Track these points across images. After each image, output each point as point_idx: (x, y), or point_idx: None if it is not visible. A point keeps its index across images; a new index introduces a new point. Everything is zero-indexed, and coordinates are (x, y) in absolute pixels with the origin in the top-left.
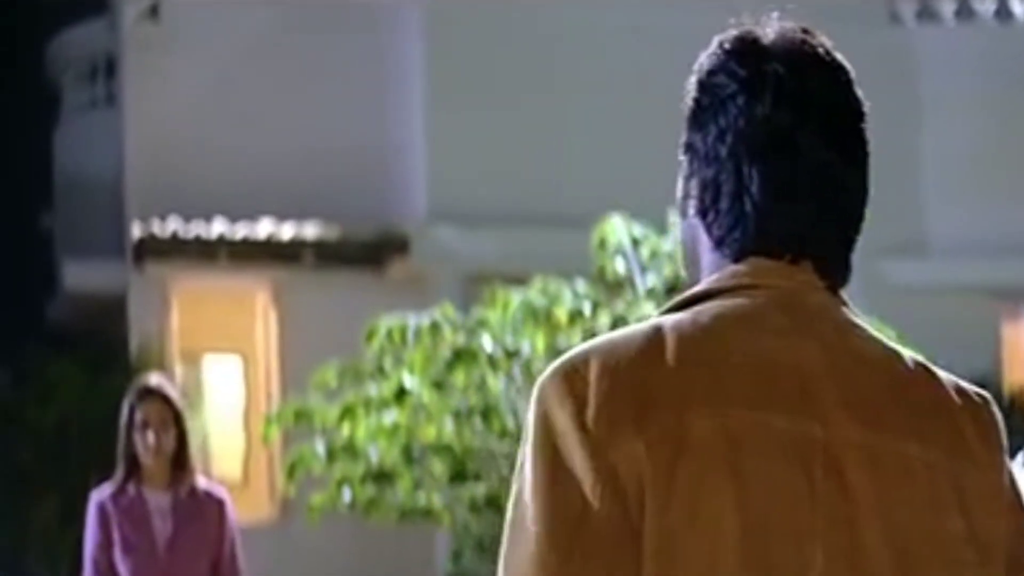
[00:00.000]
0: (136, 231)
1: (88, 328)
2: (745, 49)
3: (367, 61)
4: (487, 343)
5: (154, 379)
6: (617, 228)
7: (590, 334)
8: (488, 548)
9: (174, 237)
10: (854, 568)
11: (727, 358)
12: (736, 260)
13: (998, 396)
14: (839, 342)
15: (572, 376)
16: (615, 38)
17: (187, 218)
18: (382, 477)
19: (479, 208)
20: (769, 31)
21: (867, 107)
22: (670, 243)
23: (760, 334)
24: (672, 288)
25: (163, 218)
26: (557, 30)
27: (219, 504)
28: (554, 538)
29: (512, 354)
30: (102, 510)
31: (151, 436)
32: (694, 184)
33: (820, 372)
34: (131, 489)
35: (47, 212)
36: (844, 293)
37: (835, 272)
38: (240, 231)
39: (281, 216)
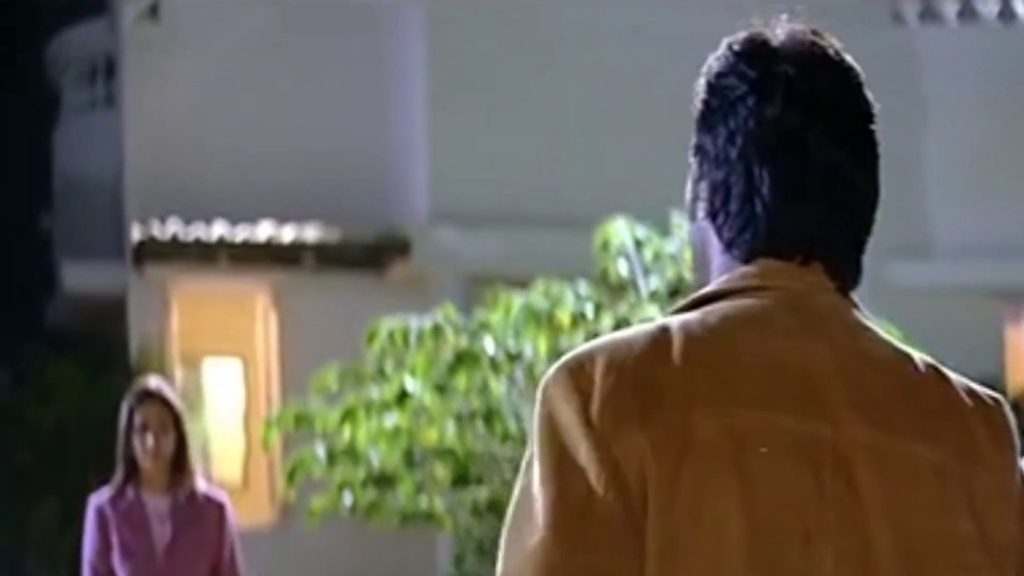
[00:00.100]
0: (136, 233)
1: (88, 330)
2: (755, 50)
3: (368, 62)
4: (489, 346)
5: (153, 382)
6: (620, 230)
7: (593, 336)
8: (490, 552)
9: (174, 239)
10: (863, 570)
11: (734, 358)
12: (746, 261)
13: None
14: (848, 343)
15: (577, 372)
16: (617, 38)
17: (187, 220)
18: (383, 481)
19: (480, 209)
20: (779, 32)
21: (877, 109)
22: (673, 245)
23: (769, 335)
24: (675, 290)
25: (163, 220)
26: (558, 30)
27: (219, 508)
28: (559, 529)
29: (514, 357)
30: (100, 514)
31: (150, 439)
32: (703, 186)
33: (829, 373)
34: (130, 493)
35: (47, 213)
36: (854, 295)
37: (846, 273)
38: (240, 233)
39: (281, 218)
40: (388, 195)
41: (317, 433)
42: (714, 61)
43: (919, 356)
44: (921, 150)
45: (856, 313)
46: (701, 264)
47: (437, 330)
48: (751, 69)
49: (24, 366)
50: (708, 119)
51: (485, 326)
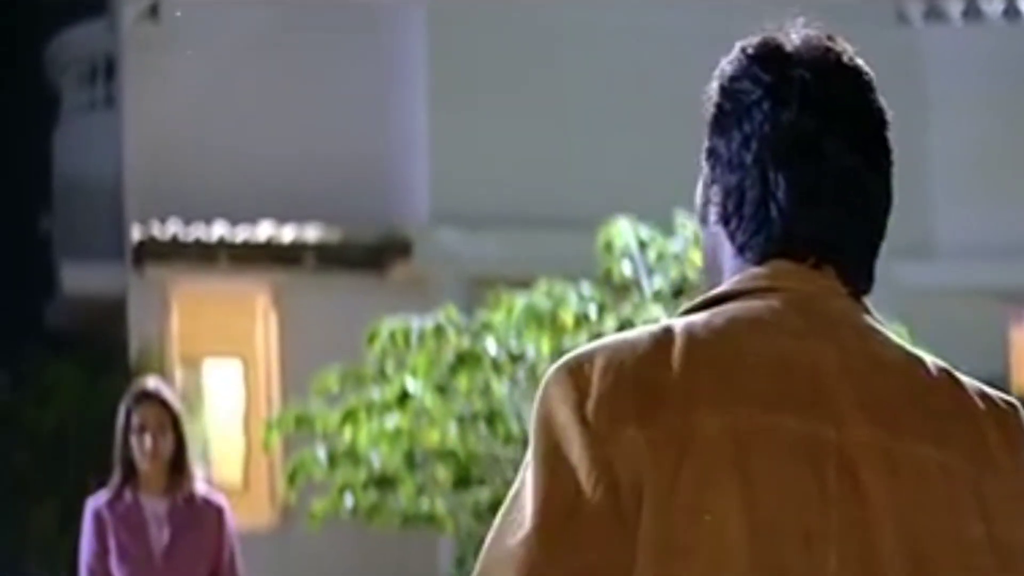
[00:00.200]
0: (136, 233)
1: (87, 331)
2: (769, 55)
3: (369, 61)
4: (491, 347)
5: (151, 382)
6: (624, 230)
7: (596, 337)
8: None
9: (174, 240)
10: (867, 571)
11: (738, 359)
12: (758, 264)
13: None
14: (858, 345)
15: (576, 371)
16: (619, 38)
17: (187, 220)
18: (384, 483)
19: (482, 210)
20: (793, 37)
21: (889, 115)
22: (677, 245)
23: (776, 336)
24: (680, 290)
25: (163, 220)
26: (560, 30)
27: (218, 511)
28: (544, 529)
29: (517, 358)
30: (98, 517)
31: (148, 440)
32: (715, 191)
33: (836, 374)
34: (127, 495)
35: (46, 214)
36: (866, 300)
37: (858, 278)
38: (240, 234)
39: (282, 218)
40: (389, 195)
41: (318, 435)
42: (727, 65)
43: (931, 360)
44: (925, 150)
45: (867, 317)
46: (713, 269)
47: (439, 330)
48: (766, 73)
49: (23, 367)
50: (721, 123)
51: (487, 327)
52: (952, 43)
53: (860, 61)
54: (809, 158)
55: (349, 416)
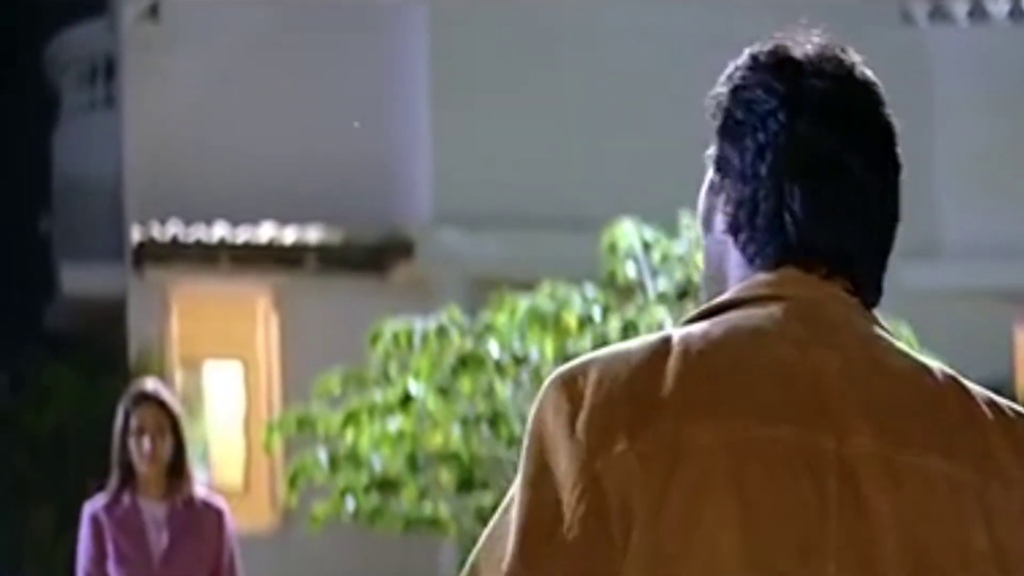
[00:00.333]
0: (136, 235)
1: (87, 333)
2: (783, 64)
3: (370, 62)
4: (494, 349)
5: (150, 384)
6: (628, 231)
7: (600, 339)
8: None
9: (174, 241)
10: None
11: (737, 370)
12: (768, 270)
13: (1011, 400)
14: (862, 354)
15: (570, 384)
16: (622, 39)
17: (187, 221)
18: (386, 486)
19: (485, 211)
20: (806, 46)
21: (898, 128)
22: (681, 246)
23: (776, 345)
24: (684, 292)
25: (163, 221)
26: (563, 31)
27: (217, 514)
28: (524, 547)
29: (520, 360)
30: (95, 521)
31: (147, 443)
32: (724, 199)
33: (838, 383)
34: (126, 499)
35: (46, 215)
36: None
37: (867, 290)
38: (241, 235)
39: (283, 220)
40: (391, 196)
41: (319, 437)
42: (737, 71)
43: (939, 368)
44: (931, 151)
45: (874, 326)
46: (717, 277)
47: (442, 331)
48: (781, 84)
49: (22, 369)
50: (733, 131)
51: (490, 328)
52: (957, 43)
53: (870, 73)
54: (826, 170)
55: (351, 418)
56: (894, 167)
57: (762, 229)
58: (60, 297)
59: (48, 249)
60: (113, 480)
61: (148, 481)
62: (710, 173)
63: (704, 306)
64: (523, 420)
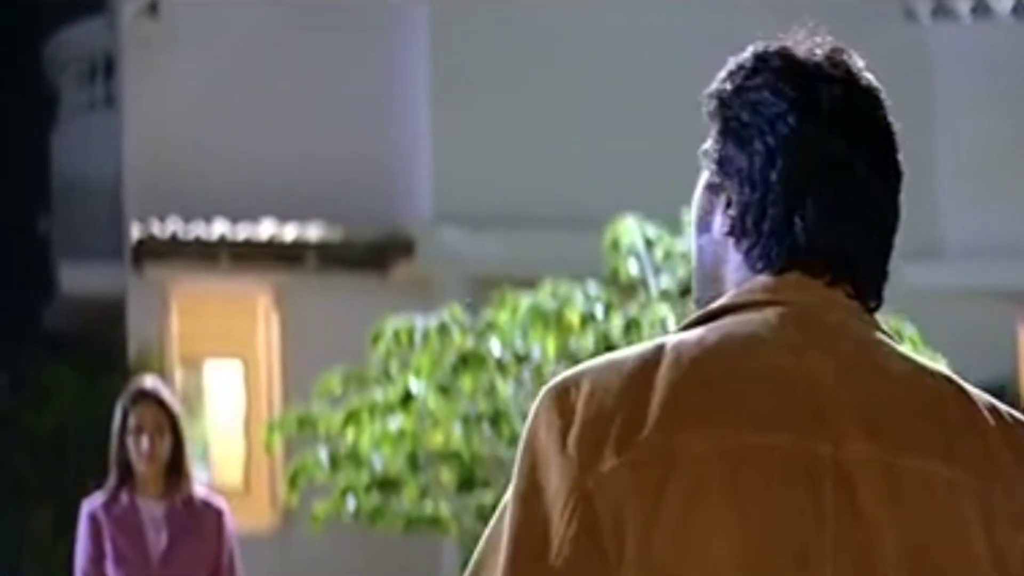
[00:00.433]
0: (135, 232)
1: (86, 332)
2: (792, 68)
3: (371, 60)
4: (495, 347)
5: (148, 382)
6: (630, 228)
7: (602, 337)
8: None
9: (174, 238)
10: None
11: (731, 377)
12: (772, 274)
13: (1015, 400)
14: (859, 358)
15: (562, 397)
16: (623, 37)
17: (187, 219)
18: (387, 485)
19: (485, 209)
20: (812, 50)
21: (898, 132)
22: (684, 243)
23: (772, 351)
24: (687, 289)
25: (162, 219)
26: (563, 30)
27: (217, 514)
28: (515, 567)
29: (522, 358)
30: (93, 520)
31: (145, 441)
32: (725, 201)
33: (835, 388)
34: (124, 498)
35: (45, 214)
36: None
37: (869, 294)
38: (241, 232)
39: (283, 217)
40: (392, 194)
41: (320, 436)
42: (740, 71)
43: (940, 371)
44: (933, 149)
45: (874, 331)
46: (712, 278)
47: (444, 329)
48: (790, 87)
49: (21, 369)
50: (739, 134)
51: (492, 326)
52: (960, 41)
53: (873, 78)
54: (835, 175)
55: (351, 417)
56: (896, 173)
57: (768, 234)
58: (59, 296)
59: (47, 248)
60: (111, 479)
61: (147, 480)
62: (707, 172)
63: (701, 311)
64: (524, 418)
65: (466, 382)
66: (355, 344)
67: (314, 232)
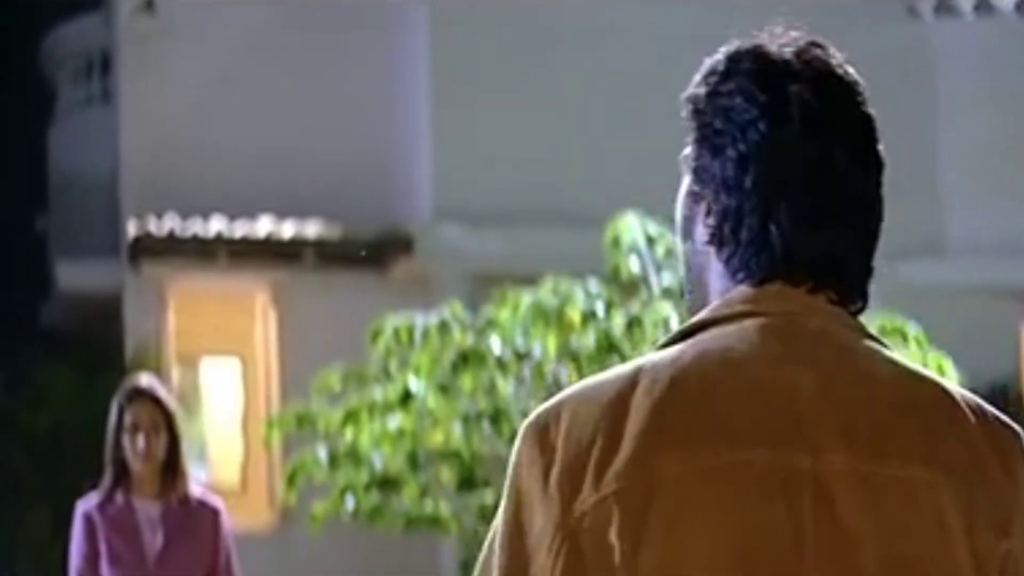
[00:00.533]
0: (132, 229)
1: (83, 330)
2: (762, 69)
3: (371, 57)
4: (496, 345)
5: (144, 379)
6: (631, 225)
7: (604, 335)
8: None
9: (171, 235)
10: None
11: (708, 395)
12: (752, 285)
13: (1017, 397)
14: (841, 366)
15: (543, 433)
16: (622, 35)
17: (184, 216)
18: (387, 484)
19: (486, 206)
20: (784, 47)
21: (878, 118)
22: None
23: (750, 365)
24: None
25: (159, 216)
26: (563, 29)
27: (213, 514)
28: None
29: (522, 356)
30: (88, 520)
31: (141, 440)
32: (703, 209)
33: (814, 400)
34: (119, 497)
35: (41, 212)
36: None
37: (854, 297)
38: (239, 229)
39: (281, 214)
40: (391, 191)
41: (319, 435)
42: (713, 76)
43: (926, 375)
44: (936, 147)
45: (856, 334)
46: (699, 287)
47: (444, 327)
48: (761, 91)
49: (18, 368)
50: (713, 141)
51: (492, 324)
52: (963, 38)
53: (850, 68)
54: (811, 178)
55: (351, 416)
56: (877, 164)
57: (747, 243)
58: (56, 294)
59: (44, 246)
60: (106, 478)
61: (142, 479)
62: (688, 179)
63: (681, 327)
64: (525, 417)
65: (466, 380)
66: (354, 342)
67: (312, 229)
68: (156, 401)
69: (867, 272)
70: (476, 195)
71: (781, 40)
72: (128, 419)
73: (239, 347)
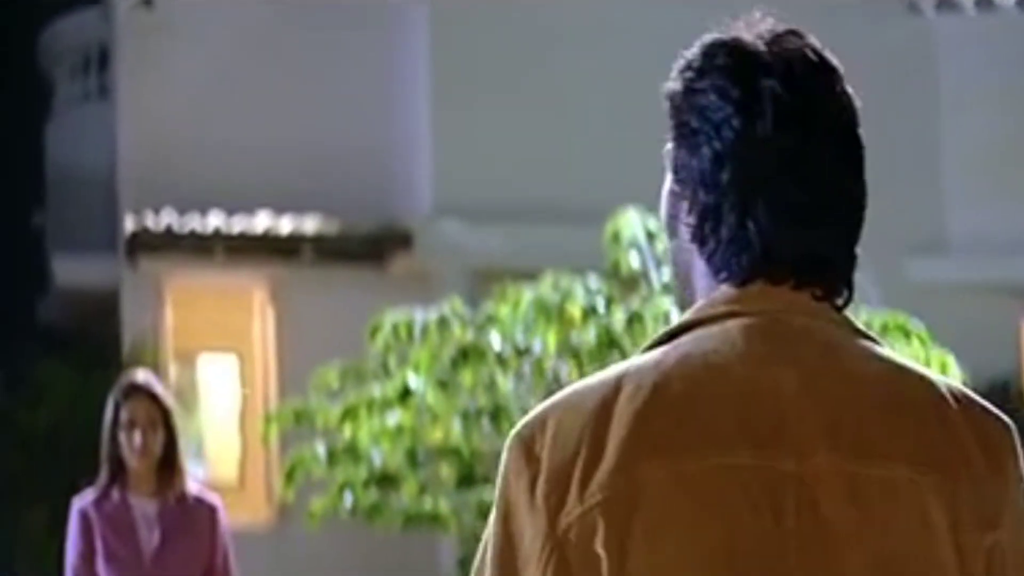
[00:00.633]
0: (129, 224)
1: (80, 326)
2: (735, 64)
3: (370, 53)
4: (496, 341)
5: (140, 375)
6: (631, 221)
7: (604, 330)
8: None
9: (168, 231)
10: None
11: (690, 400)
12: (735, 285)
13: (1018, 394)
14: (824, 364)
15: (528, 444)
16: (621, 32)
17: (182, 211)
18: (386, 481)
19: (485, 201)
20: (759, 38)
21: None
22: None
23: (733, 367)
24: None
25: (157, 211)
26: (563, 29)
27: (211, 511)
28: None
29: (522, 352)
30: (84, 517)
31: (137, 437)
32: (686, 208)
33: (798, 401)
34: (115, 494)
35: (38, 207)
36: (850, 312)
37: (839, 291)
38: (237, 225)
39: (279, 209)
40: (390, 186)
41: (317, 431)
42: (689, 72)
43: (913, 368)
44: (937, 143)
45: (841, 330)
46: (685, 284)
47: (444, 322)
48: (734, 87)
49: (15, 365)
50: (689, 140)
51: (492, 320)
52: (964, 33)
53: (827, 54)
54: (790, 176)
55: (349, 412)
56: (857, 147)
57: (727, 241)
58: (53, 290)
59: (41, 241)
60: (102, 475)
61: (139, 476)
62: (669, 177)
63: (664, 330)
64: (525, 413)
65: (466, 376)
66: (352, 338)
67: (311, 224)
68: (153, 397)
69: (851, 264)
70: (476, 190)
71: (757, 30)
72: (124, 415)
73: (237, 343)
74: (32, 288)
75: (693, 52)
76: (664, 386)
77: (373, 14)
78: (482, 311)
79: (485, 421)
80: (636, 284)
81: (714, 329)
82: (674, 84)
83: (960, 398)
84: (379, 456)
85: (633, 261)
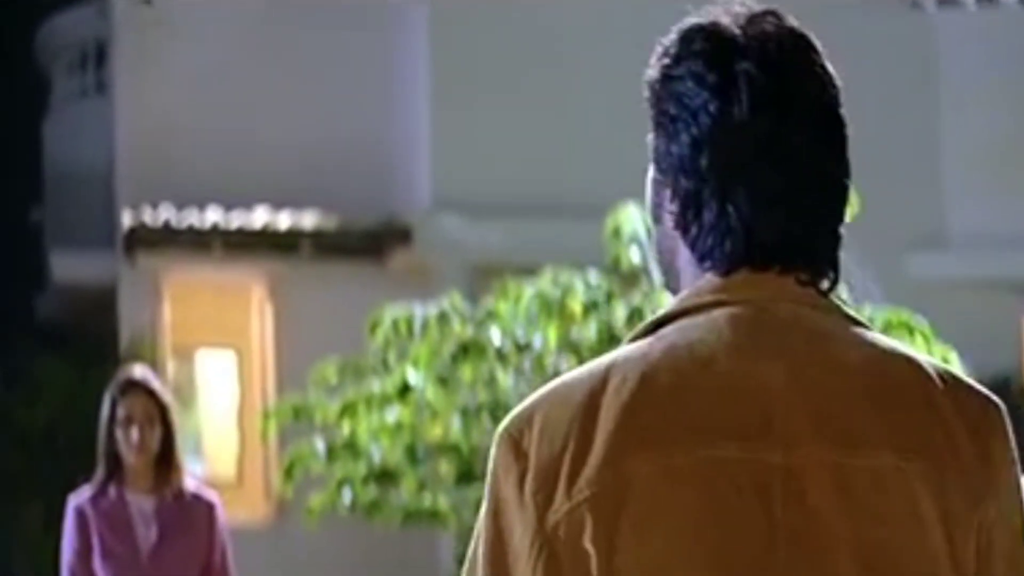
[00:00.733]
0: (127, 220)
1: (77, 322)
2: (711, 48)
3: (370, 47)
4: (496, 336)
5: (138, 371)
6: (632, 216)
7: (605, 326)
8: None
9: (166, 226)
10: None
11: (676, 392)
12: (719, 274)
13: (1020, 390)
14: (811, 353)
15: (516, 439)
16: (620, 29)
17: (180, 207)
18: (385, 477)
19: (485, 197)
20: (735, 21)
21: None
22: None
23: (719, 358)
24: None
25: (155, 207)
26: (563, 28)
27: (208, 508)
28: None
29: (523, 348)
30: (80, 514)
31: (134, 433)
32: (668, 195)
33: (784, 392)
34: (112, 491)
35: (36, 203)
36: (837, 297)
37: (825, 275)
38: (235, 220)
39: (278, 205)
40: (389, 181)
41: (316, 427)
42: (666, 59)
43: (901, 352)
44: (938, 138)
45: (829, 316)
46: (670, 272)
47: (444, 318)
48: (710, 72)
49: (13, 362)
50: (667, 127)
51: (492, 315)
52: (966, 29)
53: (807, 33)
54: (769, 160)
55: (348, 408)
56: (839, 126)
57: (709, 227)
58: (51, 286)
59: (39, 237)
60: (99, 471)
61: (136, 473)
62: (652, 164)
63: (650, 319)
64: None
65: (466, 372)
66: (351, 334)
67: (309, 220)
68: (150, 393)
69: (835, 247)
70: (475, 186)
71: (734, 12)
72: (121, 412)
73: (235, 339)
74: (30, 284)
75: (671, 38)
76: (651, 378)
77: (373, 15)
78: (482, 307)
79: (485, 417)
80: (637, 279)
81: (700, 319)
82: (652, 71)
83: (947, 379)
84: (378, 452)
85: (634, 256)
